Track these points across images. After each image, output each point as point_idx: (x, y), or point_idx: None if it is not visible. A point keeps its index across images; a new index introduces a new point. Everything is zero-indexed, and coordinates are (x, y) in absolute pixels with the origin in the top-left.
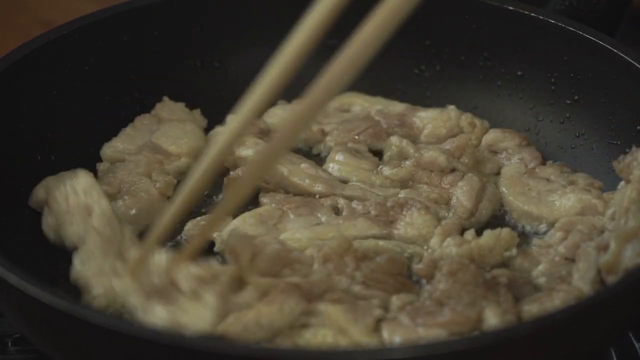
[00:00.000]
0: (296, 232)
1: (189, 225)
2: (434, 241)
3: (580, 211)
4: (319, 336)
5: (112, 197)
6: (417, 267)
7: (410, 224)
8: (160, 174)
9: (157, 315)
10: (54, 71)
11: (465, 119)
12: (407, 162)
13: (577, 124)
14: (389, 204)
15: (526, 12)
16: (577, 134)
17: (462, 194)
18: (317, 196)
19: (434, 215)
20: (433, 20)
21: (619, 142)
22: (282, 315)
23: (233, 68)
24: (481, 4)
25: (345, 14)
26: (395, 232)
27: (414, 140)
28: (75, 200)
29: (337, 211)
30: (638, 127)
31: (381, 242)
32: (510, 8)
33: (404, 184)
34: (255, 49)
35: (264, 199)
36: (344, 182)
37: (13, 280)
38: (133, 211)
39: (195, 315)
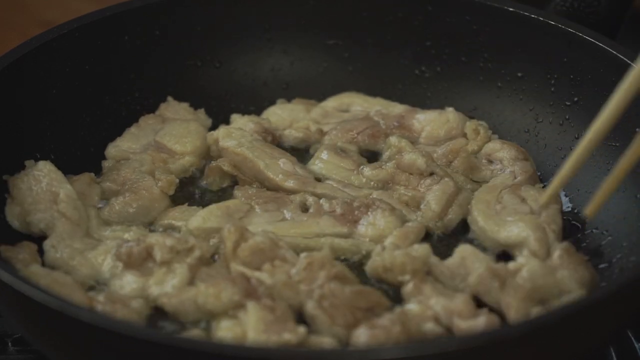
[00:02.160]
0: (258, 227)
1: (174, 214)
2: (388, 241)
3: (517, 244)
4: (230, 330)
5: (114, 194)
6: None
7: (373, 224)
8: (163, 173)
9: (128, 282)
10: (54, 70)
11: (470, 125)
12: (388, 164)
13: (576, 126)
14: (355, 203)
15: (526, 14)
16: (577, 136)
17: (432, 197)
18: (288, 192)
19: (398, 217)
20: (434, 21)
21: (617, 144)
22: (216, 300)
23: (233, 68)
24: (482, 5)
25: (343, 16)
26: (357, 231)
27: (413, 141)
28: (39, 189)
29: (305, 208)
30: (637, 129)
31: (337, 240)
32: (511, 9)
33: (383, 185)
34: (255, 49)
35: (237, 192)
36: (323, 179)
37: (6, 278)
38: (132, 209)
39: (162, 281)
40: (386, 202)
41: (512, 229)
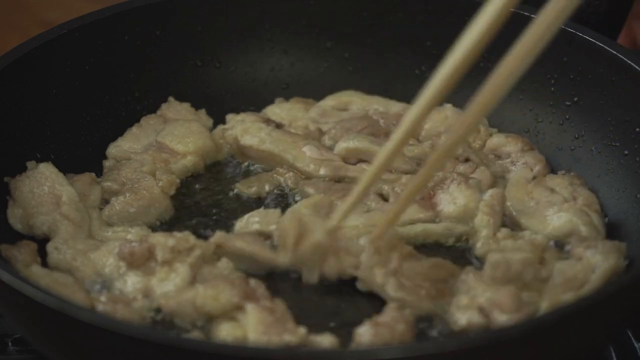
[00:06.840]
0: (351, 219)
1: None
2: (478, 220)
3: (567, 233)
4: (230, 332)
5: (114, 193)
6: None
7: (453, 202)
8: (164, 173)
9: (132, 282)
10: (54, 70)
11: None
12: (425, 143)
13: (576, 126)
14: (430, 184)
15: (526, 13)
16: (577, 136)
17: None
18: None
19: (475, 186)
20: (434, 21)
21: (617, 144)
22: (214, 302)
23: (233, 68)
24: (482, 5)
25: (343, 16)
26: (442, 212)
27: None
28: (41, 191)
29: (383, 196)
30: (637, 129)
31: (429, 226)
32: (511, 9)
33: (417, 163)
34: (255, 49)
35: (308, 189)
36: (355, 162)
37: (7, 278)
38: (132, 209)
39: (164, 280)
40: (457, 174)
41: (557, 222)
